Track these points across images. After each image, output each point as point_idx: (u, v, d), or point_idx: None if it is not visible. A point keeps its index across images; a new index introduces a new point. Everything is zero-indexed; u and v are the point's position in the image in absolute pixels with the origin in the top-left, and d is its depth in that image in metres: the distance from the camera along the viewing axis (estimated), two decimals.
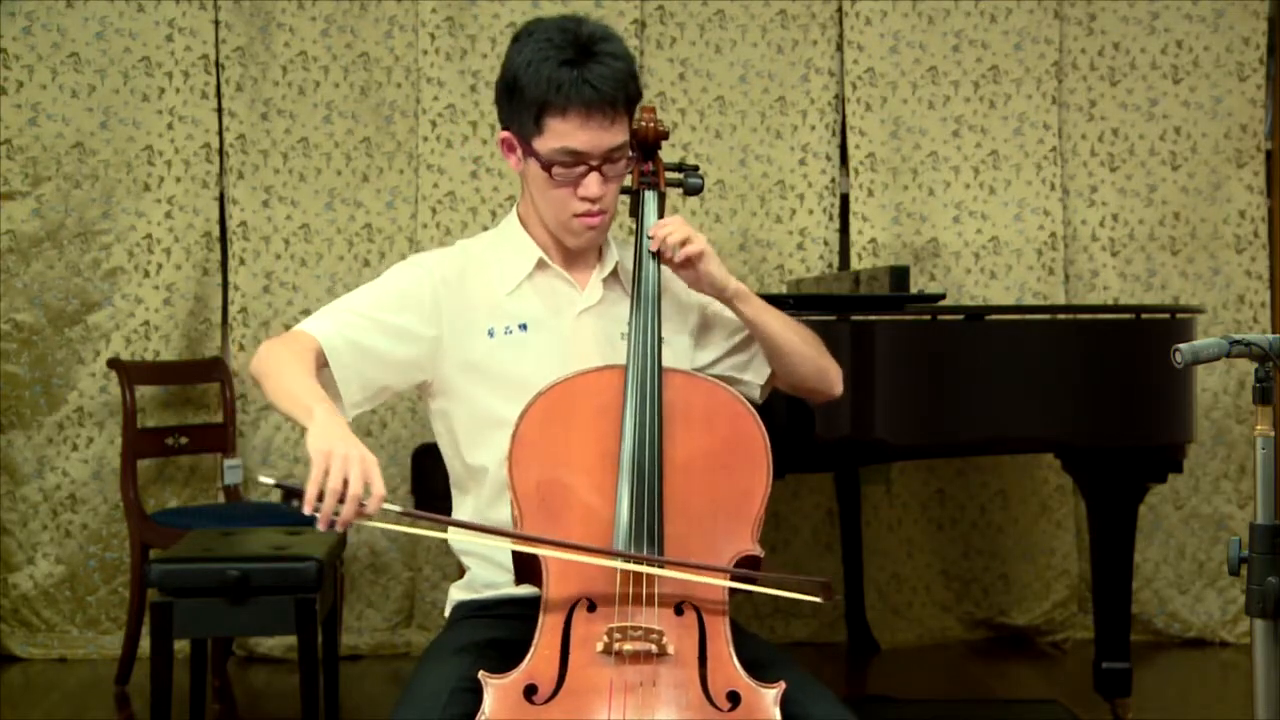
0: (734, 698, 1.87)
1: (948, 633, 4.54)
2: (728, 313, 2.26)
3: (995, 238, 4.48)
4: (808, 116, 4.48)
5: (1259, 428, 1.88)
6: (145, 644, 3.39)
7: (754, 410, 2.11)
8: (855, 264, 4.46)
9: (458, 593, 2.26)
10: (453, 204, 4.40)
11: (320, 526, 1.85)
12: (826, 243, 4.47)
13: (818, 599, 1.99)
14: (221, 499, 4.29)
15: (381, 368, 2.15)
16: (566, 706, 1.85)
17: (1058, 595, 4.51)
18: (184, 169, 4.37)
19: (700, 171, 2.32)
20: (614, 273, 2.24)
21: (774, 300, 2.45)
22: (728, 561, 2.01)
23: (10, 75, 4.33)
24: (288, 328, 4.32)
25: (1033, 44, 4.49)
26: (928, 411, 3.10)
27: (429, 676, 2.00)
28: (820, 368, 2.28)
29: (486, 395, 2.17)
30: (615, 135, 2.10)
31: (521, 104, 2.09)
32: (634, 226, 2.25)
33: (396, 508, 1.90)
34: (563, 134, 2.08)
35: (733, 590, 1.98)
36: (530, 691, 1.87)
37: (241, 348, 4.38)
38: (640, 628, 1.89)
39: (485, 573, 2.19)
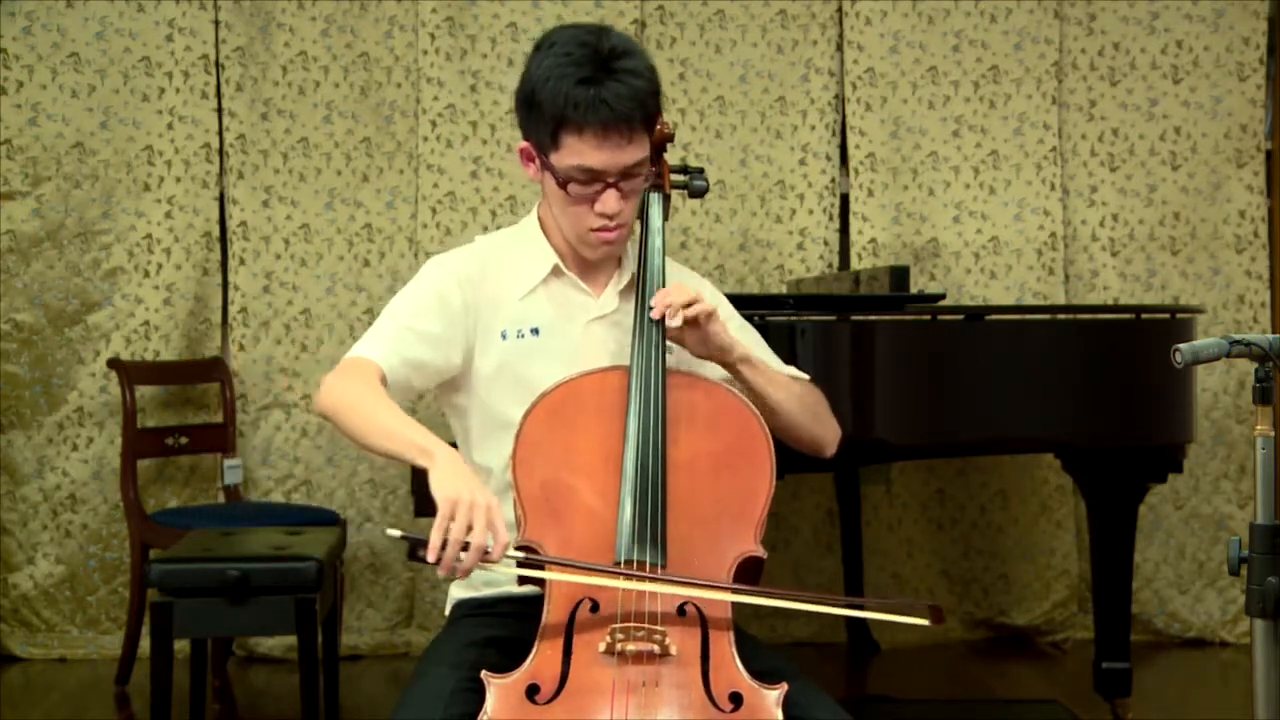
0: (736, 699, 1.87)
1: (948, 633, 4.54)
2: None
3: (995, 238, 4.48)
4: (808, 116, 4.48)
5: (1259, 428, 1.88)
6: (145, 644, 3.39)
7: (757, 411, 2.11)
8: (855, 264, 4.46)
9: (458, 590, 2.26)
10: (453, 204, 4.40)
11: (441, 573, 1.87)
12: (826, 243, 4.47)
13: (925, 621, 1.97)
14: (221, 499, 4.29)
15: (423, 376, 2.17)
16: (569, 706, 1.85)
17: (1058, 595, 4.51)
18: (184, 169, 4.37)
19: (704, 173, 2.32)
20: (631, 284, 2.22)
21: (774, 300, 2.45)
22: (730, 562, 2.01)
23: (10, 75, 4.33)
24: (288, 328, 4.38)
25: (1033, 44, 4.49)
26: (928, 411, 3.10)
27: (430, 676, 2.00)
28: (814, 435, 2.27)
29: (495, 397, 2.17)
30: (633, 153, 2.08)
31: (539, 118, 2.08)
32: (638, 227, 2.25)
33: (520, 554, 1.92)
34: (579, 152, 2.06)
35: (743, 578, 1.97)
36: (532, 691, 1.87)
37: (241, 348, 4.38)
38: (643, 628, 1.89)
39: (486, 572, 2.19)
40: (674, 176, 2.30)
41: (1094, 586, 3.45)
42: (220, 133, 4.39)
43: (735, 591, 1.95)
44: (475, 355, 2.18)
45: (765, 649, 2.09)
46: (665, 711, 1.84)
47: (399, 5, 4.42)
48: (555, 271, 2.21)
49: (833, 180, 4.48)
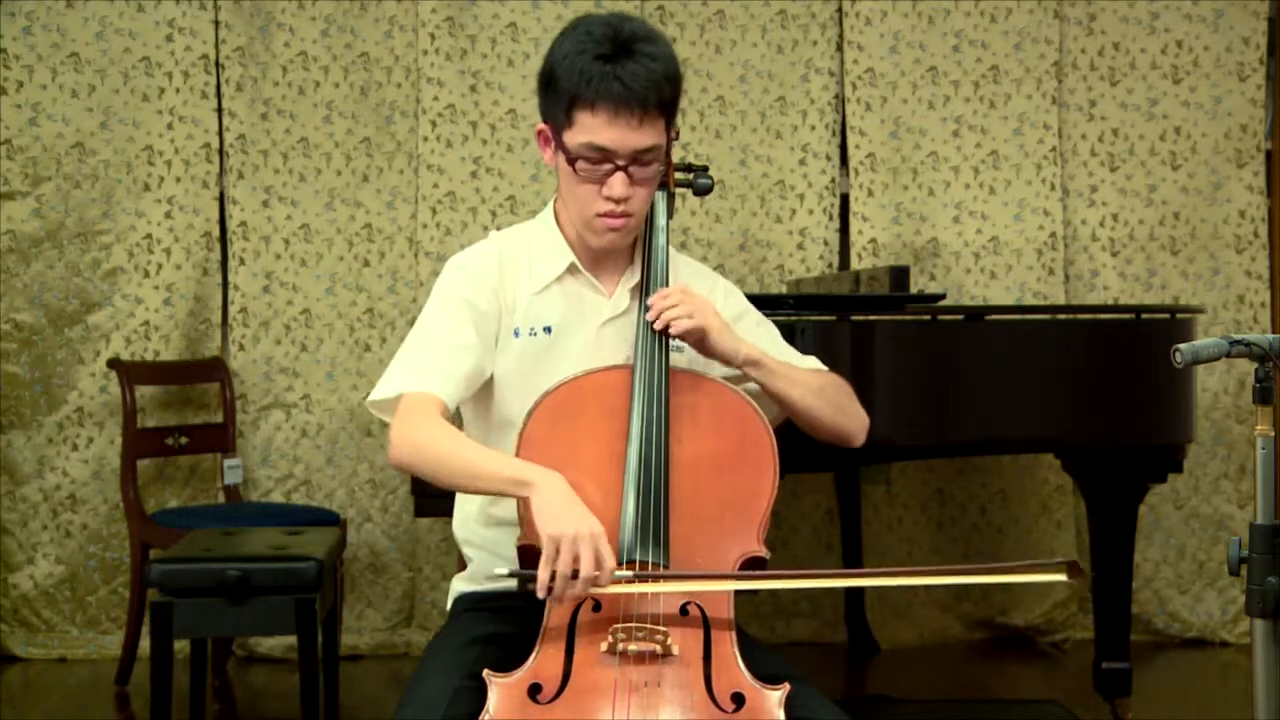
0: (738, 699, 1.87)
1: (948, 633, 4.54)
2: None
3: (995, 238, 4.48)
4: (808, 116, 4.48)
5: (1259, 428, 1.88)
6: (145, 644, 3.39)
7: (761, 411, 2.10)
8: (855, 264, 4.46)
9: (460, 584, 2.26)
10: (453, 204, 4.40)
11: (555, 604, 1.91)
12: (826, 243, 4.47)
13: (1063, 577, 1.94)
14: (221, 499, 4.29)
15: (475, 383, 2.16)
16: (571, 706, 1.85)
17: (1058, 595, 4.51)
18: (184, 169, 4.37)
19: (709, 171, 2.32)
20: (641, 282, 2.21)
21: (774, 301, 2.45)
22: (733, 561, 2.01)
23: (10, 75, 4.33)
24: (288, 328, 4.38)
25: (1033, 44, 4.49)
26: (928, 411, 3.10)
27: (432, 674, 2.00)
28: (837, 426, 2.25)
29: (504, 394, 2.18)
30: (644, 137, 2.07)
31: (555, 95, 2.09)
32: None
33: (628, 573, 1.92)
34: (590, 129, 2.06)
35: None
36: (534, 690, 1.87)
37: (241, 348, 4.38)
38: (645, 628, 1.89)
39: (488, 564, 2.18)
40: (678, 175, 2.29)
41: (1094, 586, 3.45)
42: (220, 133, 4.39)
43: (810, 578, 1.95)
44: (498, 353, 2.19)
45: (765, 650, 2.08)
46: (667, 712, 1.84)
47: (399, 5, 4.42)
48: (571, 269, 2.21)
49: (833, 180, 4.48)
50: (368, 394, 2.24)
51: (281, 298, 4.40)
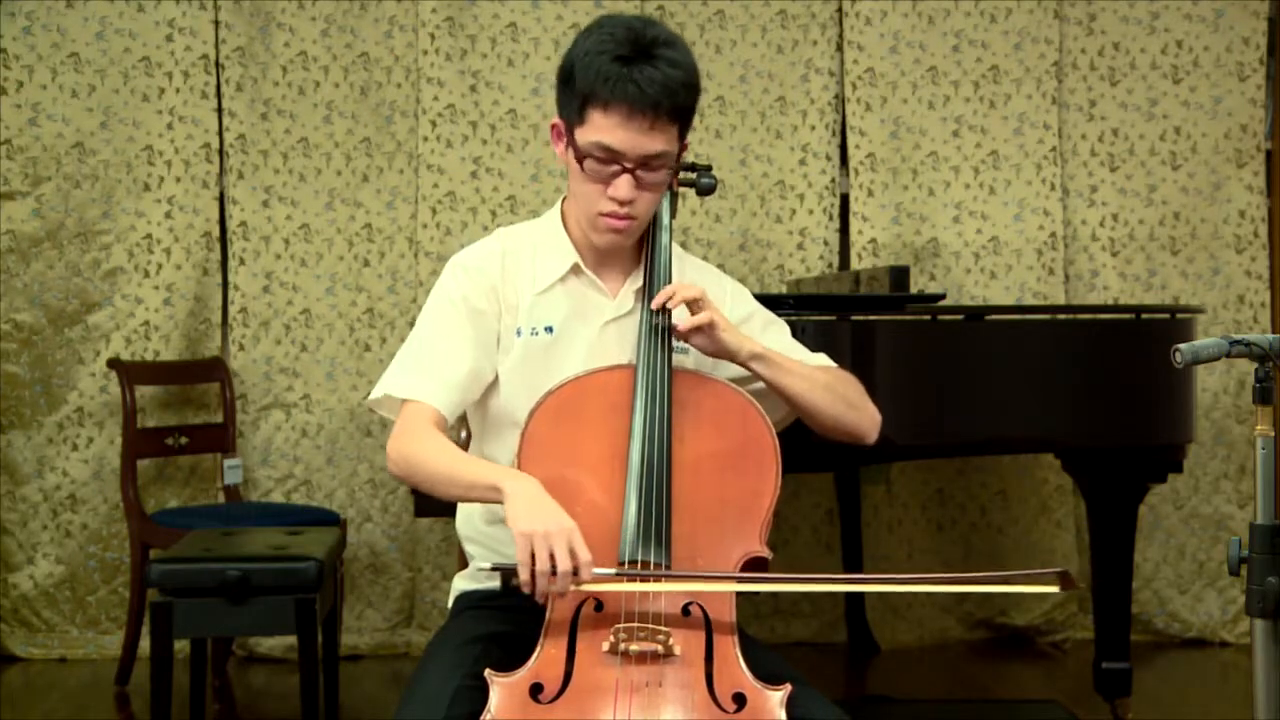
0: (740, 699, 1.87)
1: (948, 633, 4.54)
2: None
3: (995, 238, 4.49)
4: (808, 116, 4.48)
5: (1259, 428, 1.88)
6: (145, 644, 3.39)
7: (763, 411, 2.10)
8: (855, 264, 4.46)
9: (462, 582, 2.26)
10: (453, 204, 4.40)
11: (539, 601, 1.91)
12: (826, 243, 4.47)
13: (1055, 589, 1.94)
14: (221, 499, 4.29)
15: (475, 390, 2.18)
16: (572, 706, 1.85)
17: (1057, 595, 4.50)
18: (184, 169, 4.37)
19: (711, 171, 2.32)
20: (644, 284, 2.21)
21: (774, 300, 2.45)
22: (735, 562, 2.01)
23: (10, 75, 4.33)
24: (288, 328, 4.38)
25: (1033, 44, 4.49)
26: (928, 411, 3.09)
27: (433, 673, 2.00)
28: (847, 423, 2.24)
29: (507, 393, 2.18)
30: (655, 142, 2.07)
31: (571, 92, 2.09)
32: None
33: (610, 570, 1.93)
34: (601, 128, 2.06)
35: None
36: (536, 690, 1.87)
37: (241, 348, 4.38)
38: (647, 628, 1.89)
39: (490, 562, 2.18)
40: (682, 174, 2.29)
41: (1094, 586, 3.45)
42: (220, 133, 4.39)
43: (810, 582, 1.96)
44: (500, 352, 2.19)
45: (766, 650, 2.08)
46: (669, 712, 1.84)
47: (399, 5, 4.42)
48: (574, 269, 2.21)
49: (833, 180, 4.48)
50: (368, 393, 2.26)
51: (281, 298, 4.40)
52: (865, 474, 4.41)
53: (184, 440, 4.20)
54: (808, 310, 3.02)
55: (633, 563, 1.96)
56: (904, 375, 3.07)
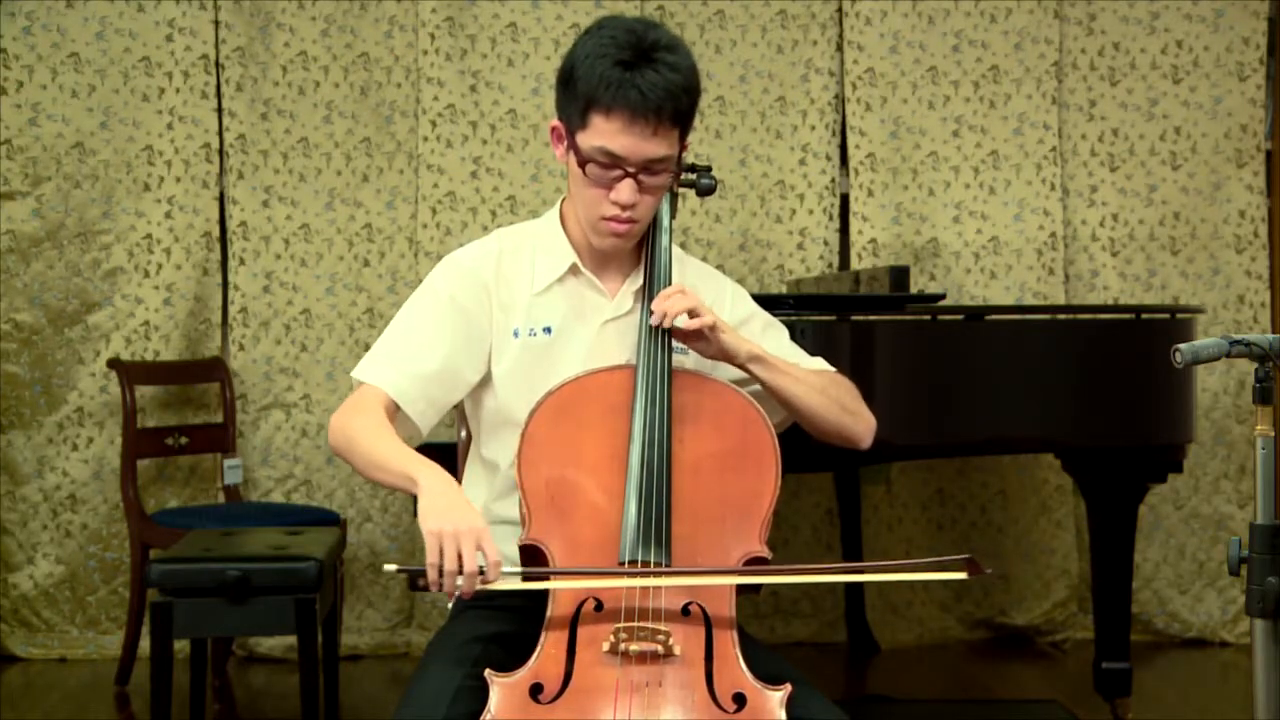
0: (740, 699, 1.87)
1: (948, 633, 4.55)
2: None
3: (995, 238, 4.49)
4: (808, 116, 4.48)
5: (1259, 428, 1.88)
6: (145, 644, 3.39)
7: (763, 412, 2.10)
8: (855, 264, 4.46)
9: None
10: (453, 204, 4.40)
11: (449, 601, 1.91)
12: (826, 243, 4.48)
13: (963, 575, 1.95)
14: (221, 499, 4.29)
15: (452, 387, 2.17)
16: (572, 706, 1.85)
17: (1058, 595, 4.52)
18: (184, 169, 4.37)
19: (711, 171, 2.32)
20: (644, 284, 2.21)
21: (774, 300, 2.45)
22: (735, 562, 2.00)
23: (10, 75, 4.33)
24: (288, 328, 4.38)
25: (1033, 44, 4.49)
26: (928, 411, 3.10)
27: (433, 674, 2.00)
28: (842, 427, 2.24)
29: (506, 394, 2.17)
30: (657, 146, 2.07)
31: (572, 96, 2.08)
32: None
33: (517, 570, 1.94)
34: (604, 133, 2.06)
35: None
36: (536, 690, 1.87)
37: (241, 348, 4.38)
38: (647, 628, 1.89)
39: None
40: (682, 175, 2.29)
41: (1094, 586, 3.45)
42: (220, 133, 4.39)
43: (751, 574, 1.96)
44: (493, 354, 2.19)
45: (766, 650, 2.08)
46: (669, 712, 1.84)
47: (399, 5, 4.42)
48: (573, 270, 2.21)
49: (833, 180, 4.48)
50: None
51: (281, 298, 4.40)
52: (865, 474, 4.42)
53: (184, 440, 4.20)
54: (808, 310, 3.02)
55: (633, 563, 1.96)
56: (904, 375, 3.07)
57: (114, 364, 4.16)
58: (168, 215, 4.36)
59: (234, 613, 3.00)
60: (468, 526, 1.88)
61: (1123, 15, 4.52)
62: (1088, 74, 4.53)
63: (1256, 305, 4.53)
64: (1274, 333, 3.53)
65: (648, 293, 2.16)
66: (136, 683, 3.97)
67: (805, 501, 4.51)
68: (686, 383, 2.10)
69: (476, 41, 4.42)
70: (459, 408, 2.31)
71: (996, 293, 4.48)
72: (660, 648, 1.88)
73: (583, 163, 2.09)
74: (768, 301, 2.49)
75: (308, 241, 4.41)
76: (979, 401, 3.12)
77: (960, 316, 3.21)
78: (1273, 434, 1.87)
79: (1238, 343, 1.87)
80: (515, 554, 2.03)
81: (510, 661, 1.92)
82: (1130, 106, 4.53)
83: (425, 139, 4.40)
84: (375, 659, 4.37)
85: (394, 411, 2.12)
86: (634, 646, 1.88)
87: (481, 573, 1.88)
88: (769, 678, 1.90)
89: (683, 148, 2.16)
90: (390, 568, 1.95)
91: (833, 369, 2.32)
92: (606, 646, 1.88)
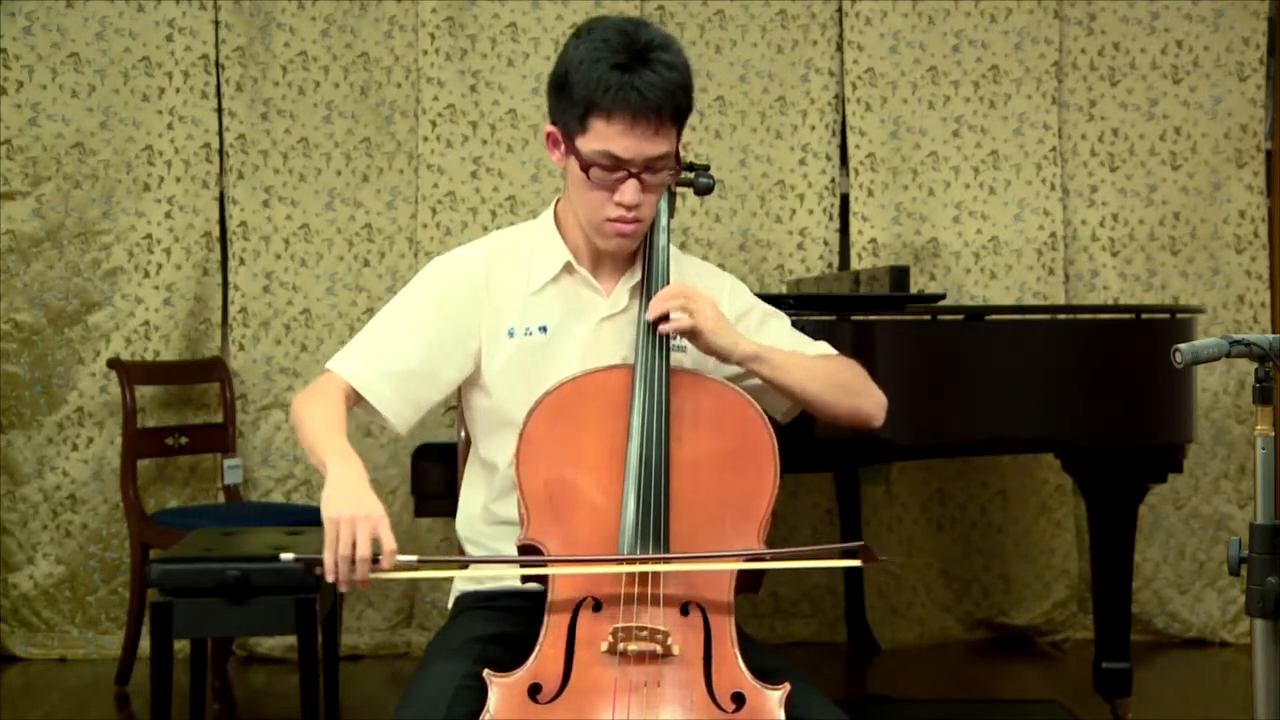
0: (739, 699, 1.87)
1: (948, 633, 4.55)
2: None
3: (995, 238, 4.49)
4: (808, 116, 4.48)
5: (1259, 428, 1.88)
6: (145, 644, 3.39)
7: (762, 411, 2.10)
8: (855, 264, 4.46)
9: (462, 583, 2.26)
10: (453, 204, 4.40)
11: (342, 589, 1.90)
12: (826, 243, 4.48)
13: (857, 563, 1.95)
14: (221, 499, 4.29)
15: (430, 386, 2.17)
16: (571, 706, 1.85)
17: (1058, 595, 4.52)
18: (184, 169, 4.37)
19: (710, 170, 2.32)
20: (641, 282, 2.21)
21: (774, 301, 2.45)
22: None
23: (10, 75, 4.33)
24: (288, 328, 4.38)
25: (1033, 44, 4.49)
26: (928, 411, 3.09)
27: (433, 674, 2.00)
28: (851, 409, 2.25)
29: (502, 394, 2.17)
30: (658, 145, 2.07)
31: (569, 101, 2.08)
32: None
33: (412, 558, 1.93)
34: (605, 137, 2.05)
35: (745, 579, 1.96)
36: (535, 690, 1.87)
37: (241, 348, 4.38)
38: (645, 628, 1.89)
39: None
40: (681, 173, 2.29)
41: (1094, 586, 3.45)
42: (220, 133, 4.39)
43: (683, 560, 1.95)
44: (483, 354, 2.18)
45: (766, 650, 2.09)
46: (668, 711, 1.84)
47: (399, 5, 4.42)
48: (567, 268, 2.21)
49: (833, 180, 4.48)
50: None
51: (281, 298, 4.40)
52: (865, 474, 4.41)
53: (184, 440, 4.20)
54: (808, 310, 3.02)
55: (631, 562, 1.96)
56: (904, 375, 3.06)
57: (114, 364, 4.16)
58: (168, 215, 4.37)
59: (234, 613, 3.00)
60: (365, 513, 1.89)
61: (1123, 15, 4.52)
62: (1088, 74, 4.53)
63: (1256, 305, 4.53)
64: (1274, 333, 3.53)
65: (645, 291, 2.16)
66: (136, 683, 3.97)
67: (805, 501, 4.51)
68: (685, 382, 2.10)
69: (476, 41, 4.42)
70: (459, 408, 2.31)
71: (996, 293, 4.48)
72: (659, 647, 1.88)
73: (585, 167, 2.08)
74: (768, 302, 2.48)
75: (308, 241, 4.41)
76: (979, 401, 3.12)
77: (960, 316, 3.21)
78: (1273, 434, 1.87)
79: (1238, 343, 1.87)
80: (514, 551, 2.03)
81: (510, 661, 1.92)
82: (1130, 106, 4.53)
83: (425, 139, 4.40)
84: (375, 659, 4.37)
85: (354, 401, 2.13)
86: (633, 646, 1.88)
87: (375, 560, 1.87)
88: (768, 677, 1.90)
89: (679, 145, 2.16)
90: (287, 556, 1.92)
91: (835, 352, 2.33)
92: (605, 646, 1.88)
